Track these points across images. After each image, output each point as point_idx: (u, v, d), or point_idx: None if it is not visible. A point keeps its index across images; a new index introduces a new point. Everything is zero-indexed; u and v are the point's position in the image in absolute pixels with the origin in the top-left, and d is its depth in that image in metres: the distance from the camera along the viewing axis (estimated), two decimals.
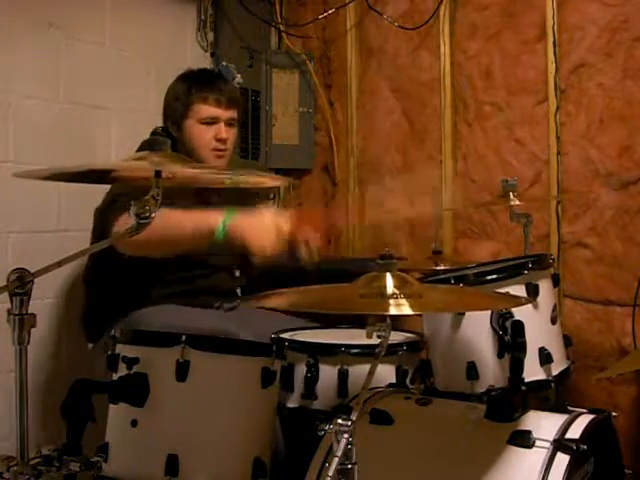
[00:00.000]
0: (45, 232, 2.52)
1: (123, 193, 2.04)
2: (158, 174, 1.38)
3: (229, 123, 2.38)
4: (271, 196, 3.42)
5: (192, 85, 2.37)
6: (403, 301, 1.29)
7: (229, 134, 2.38)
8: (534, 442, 1.45)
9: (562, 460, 1.40)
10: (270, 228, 1.99)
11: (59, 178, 1.64)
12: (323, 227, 2.20)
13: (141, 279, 2.27)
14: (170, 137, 2.36)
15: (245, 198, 2.43)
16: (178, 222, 2.01)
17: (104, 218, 2.18)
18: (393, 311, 1.29)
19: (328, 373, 1.89)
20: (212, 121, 2.35)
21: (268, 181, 1.85)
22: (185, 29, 3.05)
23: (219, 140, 2.35)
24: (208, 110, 2.34)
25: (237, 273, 2.42)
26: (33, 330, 1.31)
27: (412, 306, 1.28)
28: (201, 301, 2.30)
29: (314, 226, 2.14)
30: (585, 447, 1.41)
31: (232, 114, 2.39)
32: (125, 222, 2.00)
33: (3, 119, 2.40)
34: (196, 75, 2.45)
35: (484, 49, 2.90)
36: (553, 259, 2.06)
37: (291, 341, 1.97)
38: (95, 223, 2.31)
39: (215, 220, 2.00)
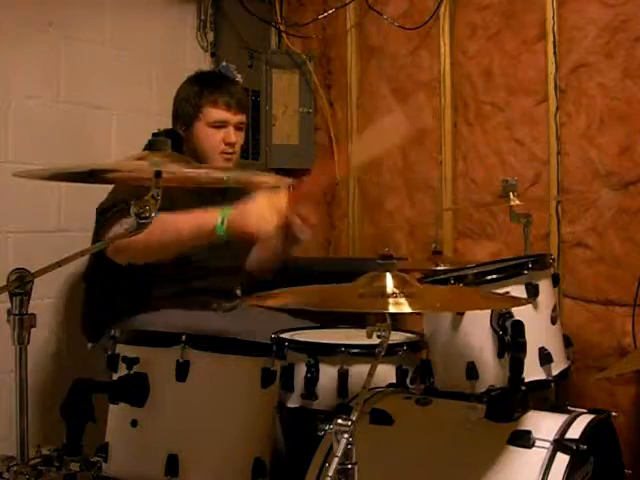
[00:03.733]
0: (45, 232, 2.52)
1: (119, 200, 2.05)
2: (158, 174, 1.38)
3: (238, 127, 2.38)
4: None
5: (203, 88, 2.36)
6: (402, 300, 1.29)
7: (237, 138, 2.38)
8: (534, 442, 1.45)
9: (562, 460, 1.40)
10: (266, 209, 2.00)
11: (59, 178, 1.64)
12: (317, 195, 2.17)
13: (140, 279, 2.27)
14: (178, 138, 2.36)
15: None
16: (175, 225, 2.02)
17: (98, 226, 2.21)
18: (392, 309, 1.29)
19: (328, 373, 1.89)
20: (221, 125, 2.35)
21: (270, 181, 1.86)
22: (185, 29, 3.05)
23: (228, 144, 2.36)
24: (218, 114, 2.34)
25: (239, 292, 2.43)
26: (33, 330, 1.31)
27: (411, 304, 1.28)
28: (199, 302, 2.30)
29: (310, 198, 2.14)
30: (585, 447, 1.41)
31: (241, 118, 2.39)
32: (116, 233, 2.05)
33: (3, 119, 2.40)
34: (207, 78, 2.46)
35: (484, 49, 2.90)
36: (553, 259, 2.07)
37: (291, 341, 1.97)
38: (96, 220, 2.31)
39: (212, 218, 2.01)
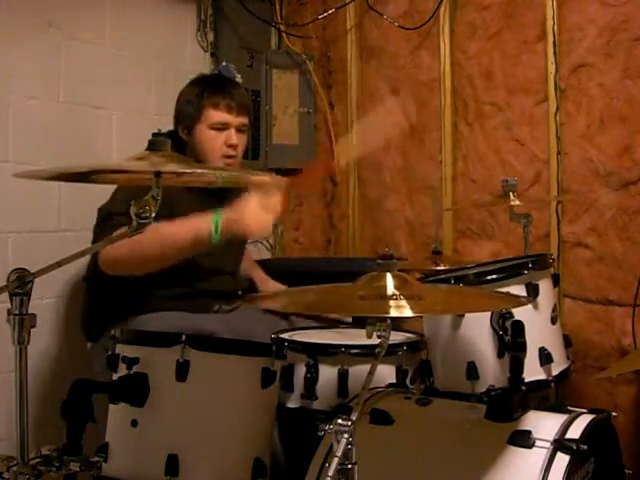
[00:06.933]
0: (45, 232, 2.52)
1: (120, 211, 2.05)
2: (158, 174, 1.38)
3: (240, 129, 2.38)
4: None
5: (204, 90, 2.37)
6: (403, 302, 1.29)
7: (239, 140, 2.38)
8: (534, 442, 1.45)
9: (562, 460, 1.40)
10: (260, 210, 2.02)
11: (60, 178, 1.64)
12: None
13: (141, 279, 2.27)
14: (180, 141, 2.36)
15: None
16: (172, 237, 2.04)
17: (99, 231, 2.22)
18: (394, 313, 1.29)
19: (328, 373, 1.89)
20: (222, 127, 2.35)
21: (267, 180, 1.87)
22: (185, 29, 3.06)
23: (229, 146, 2.35)
24: (219, 116, 2.34)
25: (240, 293, 2.44)
26: (33, 330, 1.31)
27: (412, 308, 1.28)
28: (201, 304, 2.30)
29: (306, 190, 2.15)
30: (585, 447, 1.41)
31: (243, 120, 2.39)
32: (112, 247, 2.03)
33: (3, 119, 2.40)
34: (208, 80, 2.47)
35: (484, 49, 2.90)
36: (553, 259, 2.07)
37: (291, 341, 1.97)
38: (97, 222, 2.31)
39: (205, 224, 2.02)
